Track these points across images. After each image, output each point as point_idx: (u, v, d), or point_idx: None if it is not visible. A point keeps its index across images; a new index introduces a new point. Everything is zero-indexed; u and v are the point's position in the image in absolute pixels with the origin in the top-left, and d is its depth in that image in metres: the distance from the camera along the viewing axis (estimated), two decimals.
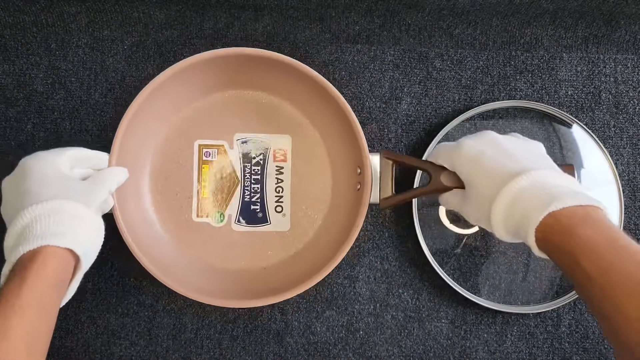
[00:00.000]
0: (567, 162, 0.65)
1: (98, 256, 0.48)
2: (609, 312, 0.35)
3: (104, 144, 0.65)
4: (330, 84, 0.57)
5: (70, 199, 0.42)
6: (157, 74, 0.67)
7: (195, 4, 0.67)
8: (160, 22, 0.68)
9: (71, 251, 0.41)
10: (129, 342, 0.63)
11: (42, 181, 0.43)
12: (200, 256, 0.60)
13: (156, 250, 0.56)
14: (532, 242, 0.41)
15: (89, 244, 0.43)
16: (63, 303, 0.43)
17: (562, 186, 0.42)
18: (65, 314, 0.63)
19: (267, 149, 0.62)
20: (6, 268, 0.40)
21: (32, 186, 0.43)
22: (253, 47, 0.68)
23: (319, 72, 0.67)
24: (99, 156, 0.51)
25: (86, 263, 0.43)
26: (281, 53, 0.68)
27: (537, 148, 0.50)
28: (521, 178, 0.42)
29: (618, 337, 0.35)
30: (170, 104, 0.59)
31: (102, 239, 0.46)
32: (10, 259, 0.39)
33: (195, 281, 0.57)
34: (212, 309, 0.64)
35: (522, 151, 0.47)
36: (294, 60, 0.56)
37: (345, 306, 0.64)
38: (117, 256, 0.63)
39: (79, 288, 0.46)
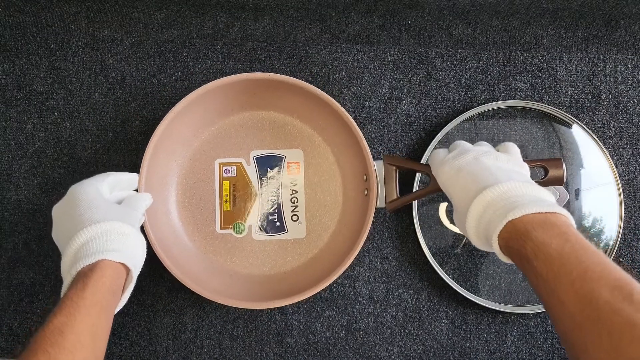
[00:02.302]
0: (567, 162, 0.65)
1: None
2: (552, 304, 0.37)
3: (103, 143, 0.66)
4: (336, 102, 0.60)
5: (118, 220, 0.48)
6: (158, 75, 0.67)
7: (195, 4, 0.67)
8: (160, 22, 0.68)
9: (123, 265, 0.46)
10: (129, 342, 0.63)
11: (90, 206, 0.49)
12: (225, 264, 0.64)
13: (184, 260, 0.61)
14: (496, 249, 0.44)
15: (136, 258, 0.49)
16: (116, 310, 0.47)
17: (526, 195, 0.44)
18: None
19: (281, 163, 0.66)
20: (67, 281, 0.44)
21: (83, 211, 0.48)
22: (253, 47, 0.68)
23: (318, 73, 0.68)
24: (131, 177, 0.57)
25: (135, 274, 0.48)
26: (281, 53, 0.68)
27: (520, 167, 0.51)
28: (490, 190, 0.45)
29: (557, 325, 0.36)
30: (191, 129, 0.64)
31: (145, 254, 0.51)
32: (71, 272, 0.44)
33: (221, 286, 0.61)
34: (212, 309, 0.64)
35: (499, 167, 0.49)
36: (302, 81, 0.60)
37: (345, 306, 0.64)
38: None
39: None
